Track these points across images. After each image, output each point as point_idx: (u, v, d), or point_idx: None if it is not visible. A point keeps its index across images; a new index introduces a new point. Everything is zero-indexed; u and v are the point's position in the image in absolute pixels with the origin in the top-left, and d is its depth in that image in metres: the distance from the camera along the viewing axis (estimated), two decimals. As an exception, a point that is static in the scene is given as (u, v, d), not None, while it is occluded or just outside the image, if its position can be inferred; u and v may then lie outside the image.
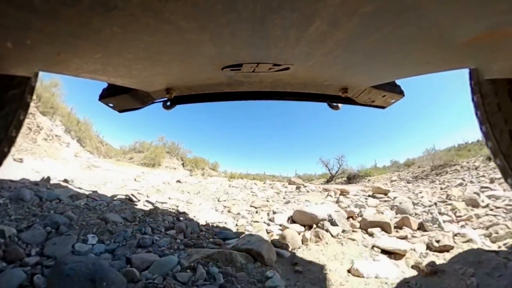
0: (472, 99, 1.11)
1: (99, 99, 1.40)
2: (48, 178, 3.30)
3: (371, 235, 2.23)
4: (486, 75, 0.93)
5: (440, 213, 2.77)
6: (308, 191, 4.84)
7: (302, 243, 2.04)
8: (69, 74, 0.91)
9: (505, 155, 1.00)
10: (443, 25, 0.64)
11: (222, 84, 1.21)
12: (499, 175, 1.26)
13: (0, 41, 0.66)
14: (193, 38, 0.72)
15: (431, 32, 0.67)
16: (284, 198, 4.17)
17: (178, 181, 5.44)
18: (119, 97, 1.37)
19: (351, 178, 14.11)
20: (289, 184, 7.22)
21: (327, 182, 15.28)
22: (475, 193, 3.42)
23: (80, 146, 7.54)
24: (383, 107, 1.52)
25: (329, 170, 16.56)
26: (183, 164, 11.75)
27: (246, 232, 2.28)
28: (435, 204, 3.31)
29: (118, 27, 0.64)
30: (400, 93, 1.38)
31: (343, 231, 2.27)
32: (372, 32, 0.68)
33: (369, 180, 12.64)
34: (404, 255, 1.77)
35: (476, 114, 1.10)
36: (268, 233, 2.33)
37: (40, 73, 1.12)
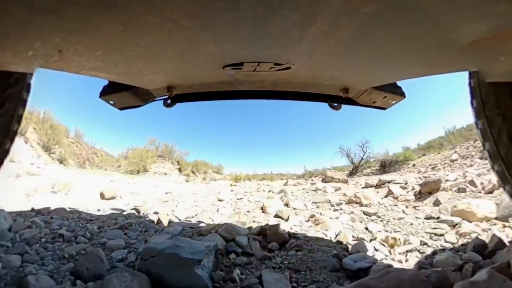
0: (471, 103, 1.10)
1: (100, 96, 1.40)
2: None
3: None
4: (488, 78, 0.93)
5: None
6: None
7: None
8: (70, 71, 0.91)
9: (504, 160, 0.99)
10: (445, 27, 0.64)
11: (223, 83, 1.21)
12: None
13: (1, 38, 0.66)
14: (194, 36, 0.72)
15: (432, 34, 0.67)
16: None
17: (102, 193, 3.89)
18: (119, 94, 1.37)
19: (386, 166, 11.08)
20: (323, 181, 5.32)
21: (350, 174, 12.15)
22: None
23: (34, 151, 6.02)
24: (383, 108, 1.51)
25: (351, 160, 13.64)
26: (179, 168, 10.48)
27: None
28: None
29: (119, 24, 0.64)
30: (401, 94, 1.38)
31: None
32: (373, 32, 0.67)
33: (414, 165, 9.69)
34: None
35: (476, 119, 1.09)
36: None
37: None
